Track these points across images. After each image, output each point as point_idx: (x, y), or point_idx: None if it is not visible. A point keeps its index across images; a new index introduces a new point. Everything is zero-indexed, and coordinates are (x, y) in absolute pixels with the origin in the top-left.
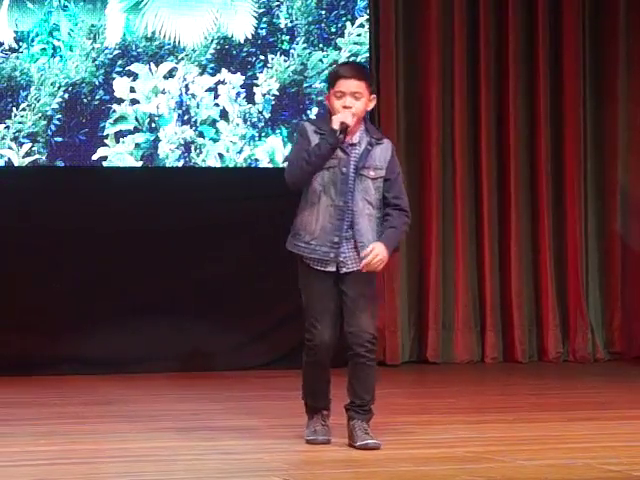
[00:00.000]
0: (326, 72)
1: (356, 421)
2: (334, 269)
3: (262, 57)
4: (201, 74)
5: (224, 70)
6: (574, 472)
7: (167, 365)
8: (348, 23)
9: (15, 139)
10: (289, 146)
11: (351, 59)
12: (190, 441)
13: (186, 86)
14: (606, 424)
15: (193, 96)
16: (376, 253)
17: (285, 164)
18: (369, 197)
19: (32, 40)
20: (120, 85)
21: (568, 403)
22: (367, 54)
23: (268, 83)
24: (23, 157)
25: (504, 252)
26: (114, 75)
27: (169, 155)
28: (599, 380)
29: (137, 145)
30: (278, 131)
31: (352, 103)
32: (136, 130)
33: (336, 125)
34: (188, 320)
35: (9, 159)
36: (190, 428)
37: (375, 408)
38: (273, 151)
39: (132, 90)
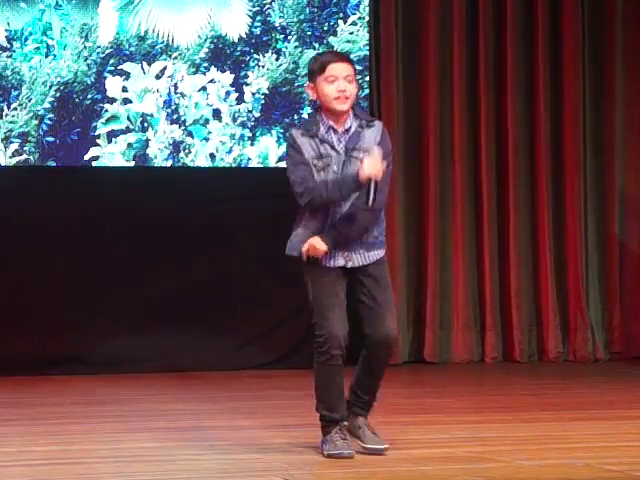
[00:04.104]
0: None
1: (362, 419)
2: (342, 263)
3: (256, 56)
4: (194, 73)
5: (213, 69)
6: (574, 472)
7: (166, 365)
8: (340, 21)
9: (6, 139)
10: (283, 146)
11: None
12: (189, 441)
13: (176, 85)
14: (606, 424)
15: (182, 95)
16: (309, 242)
17: (277, 164)
18: None
19: (26, 39)
20: (112, 84)
21: (568, 403)
22: (360, 52)
23: (258, 82)
24: (11, 157)
25: (504, 252)
26: (106, 74)
27: (158, 155)
28: (599, 380)
29: (129, 145)
30: (273, 131)
31: (346, 86)
32: (128, 130)
33: (363, 179)
34: (187, 320)
35: None
36: (189, 428)
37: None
38: (267, 151)
39: (124, 89)
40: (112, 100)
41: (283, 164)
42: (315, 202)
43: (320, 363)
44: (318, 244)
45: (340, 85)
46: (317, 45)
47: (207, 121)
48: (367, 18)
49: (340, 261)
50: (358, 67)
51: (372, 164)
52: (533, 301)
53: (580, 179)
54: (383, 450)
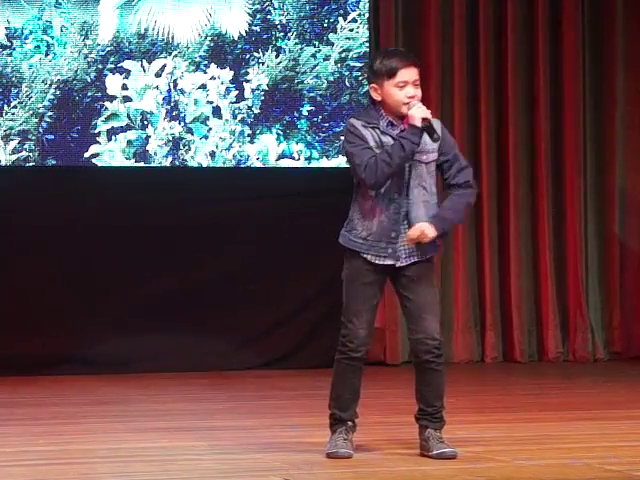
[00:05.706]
0: (318, 68)
1: (430, 430)
2: (392, 262)
3: (256, 54)
4: (194, 71)
5: (213, 66)
6: (574, 472)
7: (166, 365)
8: (340, 18)
9: (6, 137)
10: (283, 144)
11: (344, 54)
12: (189, 441)
13: (176, 82)
14: (606, 424)
15: (182, 92)
16: (418, 227)
17: (280, 162)
18: (424, 183)
19: (26, 38)
20: (112, 82)
21: (568, 403)
22: (359, 49)
23: (258, 78)
24: (11, 154)
25: (504, 252)
26: (106, 72)
27: (158, 152)
28: (599, 380)
29: (129, 142)
30: (273, 129)
31: (415, 92)
32: (128, 127)
33: (418, 123)
34: (187, 320)
35: None
36: (189, 428)
37: (445, 415)
38: (267, 149)
39: (124, 87)
40: (112, 98)
41: (283, 163)
42: (380, 175)
43: (338, 360)
44: (428, 230)
45: (410, 91)
46: (317, 42)
47: (207, 118)
48: (367, 15)
49: (389, 260)
50: (358, 64)
51: (418, 108)
52: (533, 301)
53: (580, 179)
54: (450, 454)
